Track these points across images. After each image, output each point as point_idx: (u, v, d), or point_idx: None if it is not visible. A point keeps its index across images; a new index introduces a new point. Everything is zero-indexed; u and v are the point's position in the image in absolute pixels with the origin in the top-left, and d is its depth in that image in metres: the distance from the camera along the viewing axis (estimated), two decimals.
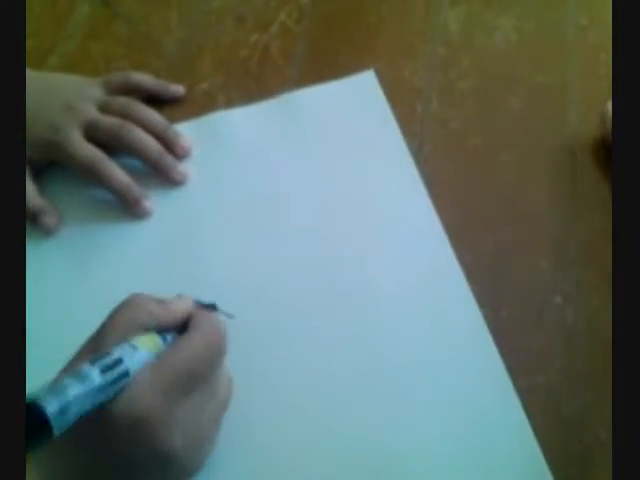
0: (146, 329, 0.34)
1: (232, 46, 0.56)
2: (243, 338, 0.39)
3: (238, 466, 0.38)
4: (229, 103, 0.53)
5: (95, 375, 0.29)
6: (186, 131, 0.50)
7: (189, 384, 0.32)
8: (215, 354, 0.34)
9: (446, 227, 0.46)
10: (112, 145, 0.48)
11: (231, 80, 0.54)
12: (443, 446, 0.38)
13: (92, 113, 0.49)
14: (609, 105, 0.47)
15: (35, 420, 0.26)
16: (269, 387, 0.40)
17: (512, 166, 0.49)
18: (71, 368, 0.30)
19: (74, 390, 0.28)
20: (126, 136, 0.48)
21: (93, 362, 0.30)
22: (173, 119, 0.51)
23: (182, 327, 0.35)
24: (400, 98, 0.52)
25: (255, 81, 0.54)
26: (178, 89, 0.53)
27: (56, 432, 0.27)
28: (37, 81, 0.49)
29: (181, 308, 0.36)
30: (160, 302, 0.35)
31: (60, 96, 0.49)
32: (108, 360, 0.30)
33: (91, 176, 0.47)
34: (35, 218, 0.46)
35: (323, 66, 0.54)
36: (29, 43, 0.55)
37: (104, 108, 0.49)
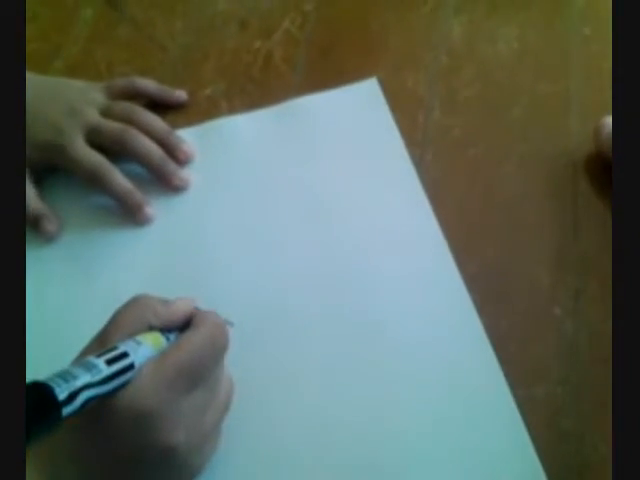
0: (150, 328, 0.34)
1: (235, 52, 0.56)
2: (243, 343, 0.39)
3: (238, 469, 0.38)
4: (232, 109, 0.53)
5: (102, 366, 0.30)
6: (188, 137, 0.50)
7: (192, 379, 0.33)
8: (217, 349, 0.35)
9: (447, 236, 0.46)
10: (114, 150, 0.48)
11: (234, 86, 0.54)
12: (442, 456, 0.38)
13: (95, 118, 0.49)
14: (604, 120, 0.47)
15: (44, 401, 0.27)
16: (268, 391, 0.41)
17: (513, 176, 0.49)
18: (78, 363, 0.31)
19: (82, 379, 0.29)
20: (128, 141, 0.48)
21: (99, 355, 0.31)
22: (176, 125, 0.51)
23: (184, 327, 0.36)
24: (402, 106, 0.52)
25: (258, 87, 0.54)
26: (181, 95, 0.53)
27: (64, 414, 0.27)
28: (40, 85, 0.49)
29: (183, 308, 0.37)
30: (163, 302, 0.36)
31: (63, 100, 0.49)
32: (114, 353, 0.31)
33: (93, 181, 0.47)
34: (36, 224, 0.46)
35: (326, 73, 0.54)
36: (33, 47, 0.56)
37: (107, 113, 0.50)
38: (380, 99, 0.52)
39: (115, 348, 0.31)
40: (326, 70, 0.54)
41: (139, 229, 0.47)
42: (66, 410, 0.27)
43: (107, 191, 0.47)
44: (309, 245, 0.46)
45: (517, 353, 0.41)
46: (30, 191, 0.47)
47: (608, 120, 0.47)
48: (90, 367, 0.30)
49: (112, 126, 0.48)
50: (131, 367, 0.31)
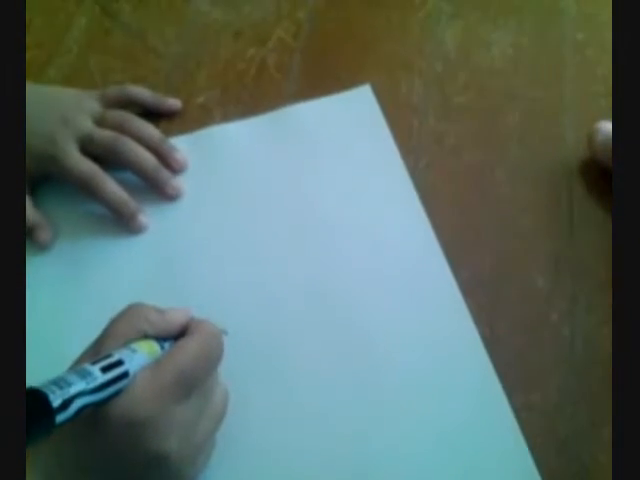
0: (145, 336, 0.34)
1: (229, 60, 0.56)
2: (236, 352, 0.39)
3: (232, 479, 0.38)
4: (225, 117, 0.53)
5: (97, 373, 0.30)
6: (182, 145, 0.50)
7: (186, 388, 0.33)
8: (212, 358, 0.35)
9: (442, 243, 0.45)
10: (108, 159, 0.48)
11: (228, 94, 0.54)
12: (439, 464, 0.38)
13: (88, 126, 0.49)
14: (597, 126, 0.47)
15: (38, 407, 0.27)
16: (261, 400, 0.40)
17: (508, 182, 0.49)
18: (73, 370, 0.31)
19: (76, 386, 0.29)
20: (121, 149, 0.48)
21: (94, 363, 0.31)
22: (169, 133, 0.51)
23: (179, 336, 0.36)
24: (396, 113, 0.52)
25: (252, 95, 0.54)
26: (175, 103, 0.53)
27: (57, 421, 0.27)
28: (34, 93, 0.49)
29: (179, 318, 0.37)
30: (159, 311, 0.36)
31: (57, 109, 0.49)
32: (109, 361, 0.31)
33: (86, 190, 0.47)
34: (30, 233, 0.46)
35: (320, 81, 0.54)
36: (28, 55, 0.56)
37: (100, 121, 0.49)
38: (374, 106, 0.52)
39: (110, 356, 0.31)
40: (320, 77, 0.54)
41: (132, 237, 0.47)
42: (60, 417, 0.27)
43: (101, 199, 0.47)
44: (302, 253, 0.46)
45: (514, 360, 0.41)
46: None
47: (602, 125, 0.47)
48: (85, 374, 0.30)
49: (105, 135, 0.48)
50: (126, 375, 0.31)
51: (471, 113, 0.52)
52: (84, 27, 0.59)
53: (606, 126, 0.47)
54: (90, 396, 0.29)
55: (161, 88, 0.54)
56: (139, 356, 0.33)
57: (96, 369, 0.30)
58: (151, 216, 0.48)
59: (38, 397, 0.27)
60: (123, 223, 0.47)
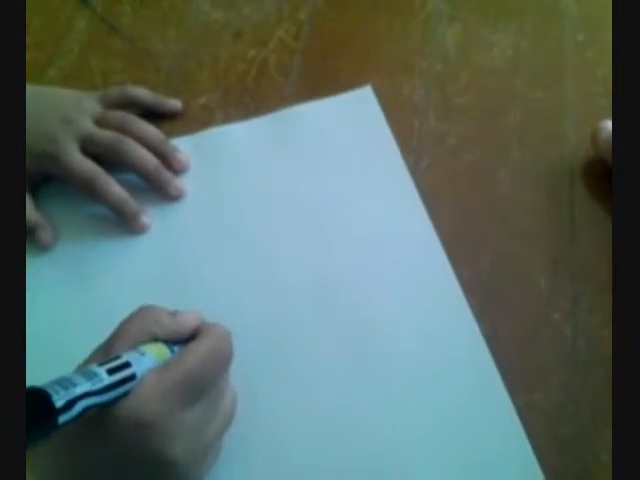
0: (155, 339, 0.34)
1: (230, 61, 0.56)
2: (241, 351, 0.38)
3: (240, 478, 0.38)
4: (226, 118, 0.53)
5: (103, 375, 0.30)
6: (183, 146, 0.50)
7: (195, 391, 0.33)
8: (221, 362, 0.35)
9: (443, 242, 0.45)
10: (109, 159, 0.48)
11: (229, 95, 0.54)
12: (441, 463, 0.38)
13: (89, 127, 0.49)
14: (601, 124, 0.47)
15: (40, 407, 0.27)
16: (268, 401, 0.40)
17: (509, 182, 0.49)
18: (79, 370, 0.31)
19: (81, 387, 0.28)
20: (123, 150, 0.48)
21: (101, 364, 0.30)
22: (170, 134, 0.51)
23: (190, 340, 0.36)
24: (397, 114, 0.52)
25: (253, 96, 0.54)
26: (176, 104, 0.53)
27: (60, 422, 0.27)
28: (34, 93, 0.49)
29: (190, 321, 0.36)
30: (170, 314, 0.36)
31: (58, 109, 0.49)
32: (116, 363, 0.31)
33: (88, 190, 0.47)
34: (31, 233, 0.46)
35: (321, 82, 0.54)
36: (28, 56, 0.55)
37: (101, 122, 0.49)
38: (375, 107, 0.52)
39: (118, 357, 0.31)
40: (321, 78, 0.54)
41: (134, 238, 0.47)
42: (63, 418, 0.27)
43: (102, 200, 0.47)
44: (305, 253, 0.46)
45: (516, 359, 0.41)
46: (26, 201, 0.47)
47: (606, 124, 0.47)
48: (91, 375, 0.29)
49: (107, 135, 0.48)
50: (132, 377, 0.31)
51: (472, 114, 0.52)
52: (84, 28, 0.59)
53: (610, 124, 0.47)
54: (95, 397, 0.29)
55: (162, 89, 0.54)
56: (147, 359, 0.32)
57: (103, 371, 0.30)
58: (153, 217, 0.48)
59: (41, 397, 0.27)
60: (125, 223, 0.47)
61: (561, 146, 0.50)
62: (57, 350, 0.41)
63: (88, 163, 0.47)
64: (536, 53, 0.55)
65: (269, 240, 0.47)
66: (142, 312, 0.35)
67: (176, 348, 0.35)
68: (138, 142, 0.48)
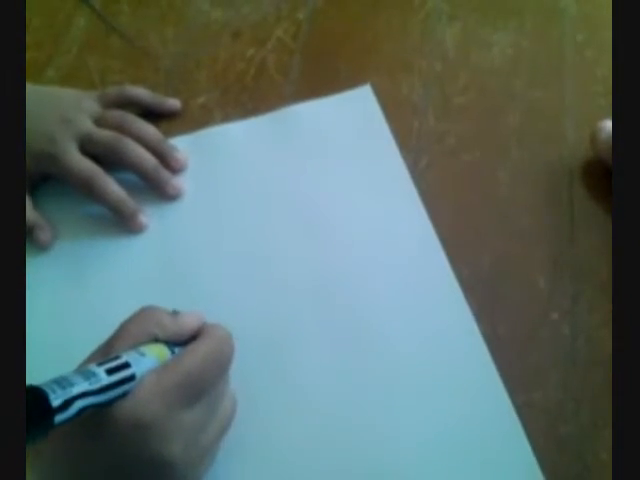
0: (155, 340, 0.34)
1: (229, 61, 0.56)
2: (239, 352, 0.38)
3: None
4: (225, 117, 0.53)
5: (102, 375, 0.30)
6: (182, 145, 0.50)
7: (194, 393, 0.33)
8: (221, 363, 0.35)
9: (443, 242, 0.45)
10: (107, 159, 0.48)
11: (227, 95, 0.54)
12: (441, 462, 0.38)
13: (88, 126, 0.49)
14: (601, 124, 0.47)
15: (37, 406, 0.27)
16: (267, 403, 0.40)
17: (508, 182, 0.49)
18: (78, 370, 0.30)
19: (79, 386, 0.28)
20: (121, 149, 0.47)
21: (100, 364, 0.30)
22: (169, 133, 0.51)
23: (190, 341, 0.36)
24: (397, 113, 0.52)
25: (251, 96, 0.54)
26: (174, 103, 0.53)
27: (56, 421, 0.27)
28: (33, 93, 0.48)
29: (192, 322, 0.36)
30: (171, 315, 0.36)
31: (56, 109, 0.49)
32: (115, 363, 0.31)
33: (86, 189, 0.47)
34: (29, 233, 0.46)
35: (319, 81, 0.54)
36: (27, 55, 0.55)
37: (100, 122, 0.49)
38: (374, 106, 0.52)
39: (117, 358, 0.31)
40: (320, 78, 0.54)
41: (133, 237, 0.47)
42: (59, 417, 0.27)
43: (100, 199, 0.47)
44: (304, 253, 0.46)
45: (515, 359, 0.41)
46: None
47: (605, 124, 0.47)
48: (89, 375, 0.29)
49: (105, 135, 0.48)
50: (132, 378, 0.31)
51: (471, 113, 0.52)
52: (83, 28, 0.59)
53: (609, 124, 0.47)
54: (93, 397, 0.29)
55: (161, 88, 0.54)
56: (147, 360, 0.32)
57: (101, 370, 0.30)
58: (151, 216, 0.48)
59: (37, 395, 0.27)
60: (123, 223, 0.47)
61: (560, 146, 0.50)
62: (55, 349, 0.41)
63: (87, 163, 0.47)
64: (535, 53, 0.55)
65: (267, 239, 0.47)
66: (143, 313, 0.35)
67: (177, 349, 0.35)
68: (137, 141, 0.48)
